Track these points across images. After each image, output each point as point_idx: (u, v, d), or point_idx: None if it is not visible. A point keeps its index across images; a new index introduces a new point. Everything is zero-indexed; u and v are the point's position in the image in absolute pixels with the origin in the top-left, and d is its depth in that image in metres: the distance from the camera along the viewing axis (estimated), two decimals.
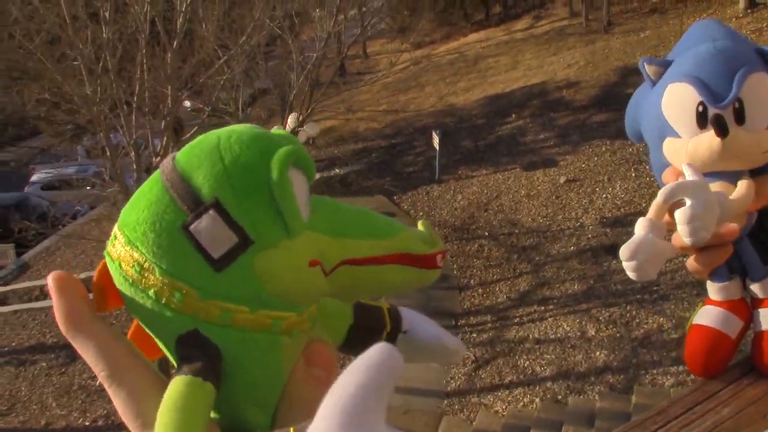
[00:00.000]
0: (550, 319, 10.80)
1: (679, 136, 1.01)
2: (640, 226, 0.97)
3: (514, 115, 18.31)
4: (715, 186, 1.00)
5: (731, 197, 0.98)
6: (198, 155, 0.57)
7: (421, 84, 23.08)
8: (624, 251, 0.94)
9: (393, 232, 0.64)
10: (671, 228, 1.00)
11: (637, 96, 1.12)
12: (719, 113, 0.96)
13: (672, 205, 0.97)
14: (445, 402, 9.84)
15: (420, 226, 0.69)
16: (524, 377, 9.86)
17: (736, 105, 0.96)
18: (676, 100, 1.00)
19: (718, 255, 1.03)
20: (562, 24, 24.03)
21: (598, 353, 9.78)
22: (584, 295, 11.04)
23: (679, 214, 0.94)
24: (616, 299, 10.63)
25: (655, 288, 10.28)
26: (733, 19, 18.72)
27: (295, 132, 13.00)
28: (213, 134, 0.59)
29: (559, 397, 9.27)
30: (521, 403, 9.42)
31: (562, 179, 14.42)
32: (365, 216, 0.65)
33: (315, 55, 13.28)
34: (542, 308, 11.14)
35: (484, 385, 9.94)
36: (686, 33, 1.07)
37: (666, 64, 1.04)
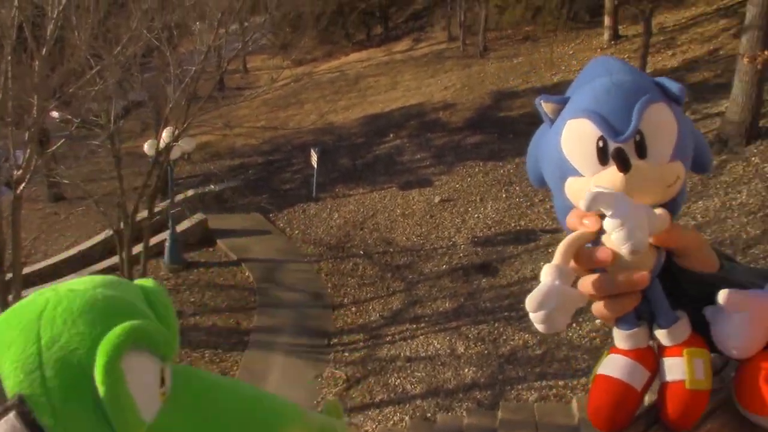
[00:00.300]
0: (421, 337, 10.86)
1: (581, 175, 0.95)
2: (546, 273, 0.89)
3: (392, 135, 18.48)
4: None
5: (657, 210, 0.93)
6: (13, 326, 0.44)
7: (302, 101, 22.96)
8: (530, 302, 0.87)
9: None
10: (579, 274, 0.95)
11: (537, 137, 1.06)
12: (620, 147, 0.91)
13: (578, 251, 0.93)
14: None
15: (329, 409, 0.54)
16: (395, 395, 9.85)
17: (637, 138, 0.92)
18: (575, 136, 0.95)
19: (627, 302, 0.96)
20: (441, 47, 24.57)
21: (466, 370, 9.90)
22: (454, 313, 11.19)
23: (609, 222, 0.89)
24: (484, 317, 10.82)
25: (521, 305, 10.51)
26: (598, 50, 19.73)
27: (169, 147, 12.53)
28: (42, 296, 0.46)
29: (428, 414, 9.31)
30: (391, 422, 9.39)
31: (437, 199, 14.63)
32: (251, 406, 0.50)
33: (194, 68, 12.87)
34: (414, 326, 11.20)
35: (355, 405, 9.85)
36: (583, 69, 1.04)
37: (563, 101, 1.00)
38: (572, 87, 1.02)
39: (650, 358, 1.02)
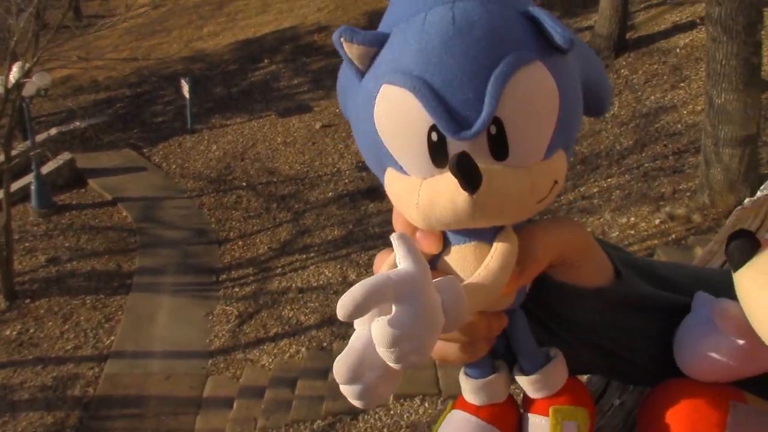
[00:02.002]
0: (312, 267, 10.78)
1: (404, 172, 0.62)
2: (358, 337, 0.60)
3: (266, 60, 17.88)
4: (467, 250, 0.64)
5: (481, 273, 0.62)
6: None
7: (167, 28, 21.75)
8: (341, 370, 0.58)
9: None
10: None
11: (343, 84, 0.70)
12: (464, 152, 0.56)
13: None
14: (210, 362, 9.51)
15: None
16: (289, 328, 9.79)
17: (492, 129, 0.58)
18: (395, 115, 0.59)
19: (477, 348, 0.68)
20: None
21: None
22: (344, 240, 11.15)
23: (377, 331, 0.55)
24: (374, 242, 10.84)
25: None
26: None
27: (21, 83, 11.56)
28: None
29: (325, 344, 9.32)
30: (287, 355, 9.35)
31: (318, 125, 14.37)
32: None
33: None
34: (304, 257, 11.09)
35: (249, 341, 9.73)
36: None
37: (378, 42, 0.61)
38: (393, 5, 0.64)
39: (510, 416, 0.73)
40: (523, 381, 0.71)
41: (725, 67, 8.01)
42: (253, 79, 17.18)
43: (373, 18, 18.31)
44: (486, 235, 0.64)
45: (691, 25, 12.67)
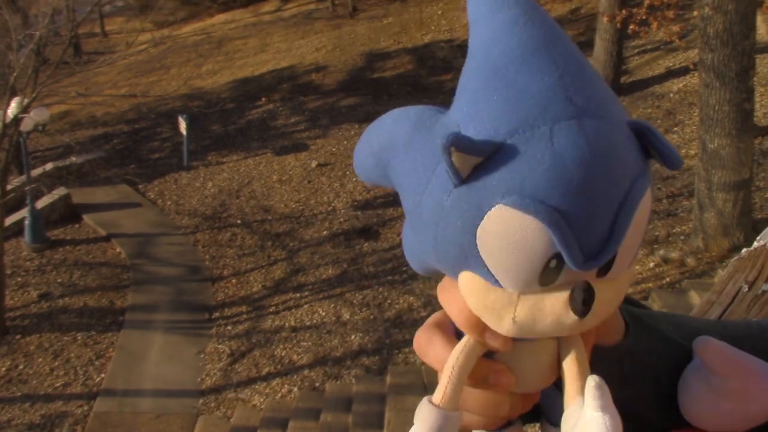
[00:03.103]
0: (305, 306, 10.73)
1: (498, 285, 0.56)
2: (424, 424, 0.60)
3: (264, 99, 18.02)
4: (538, 346, 0.62)
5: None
6: None
7: (166, 66, 21.95)
8: None
9: None
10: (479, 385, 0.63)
11: (380, 135, 0.64)
12: (587, 282, 0.55)
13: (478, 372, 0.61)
14: (201, 401, 9.40)
15: None
16: (282, 367, 9.70)
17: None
18: (511, 239, 0.53)
19: (501, 421, 0.67)
20: (309, 8, 24.10)
21: (353, 336, 9.88)
22: (338, 279, 11.11)
23: None
24: (368, 281, 10.81)
25: (404, 268, 10.59)
26: (466, 11, 19.91)
27: (19, 118, 11.60)
28: None
29: (317, 384, 9.23)
30: (279, 394, 9.26)
31: (314, 163, 14.42)
32: None
33: (38, 33, 11.92)
34: (297, 295, 11.04)
35: (241, 379, 9.63)
36: (486, 26, 0.57)
37: (489, 151, 0.52)
38: (480, 78, 0.55)
39: None
40: None
41: (718, 113, 8.09)
42: (250, 118, 17.29)
43: (370, 58, 18.51)
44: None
45: (684, 71, 12.84)
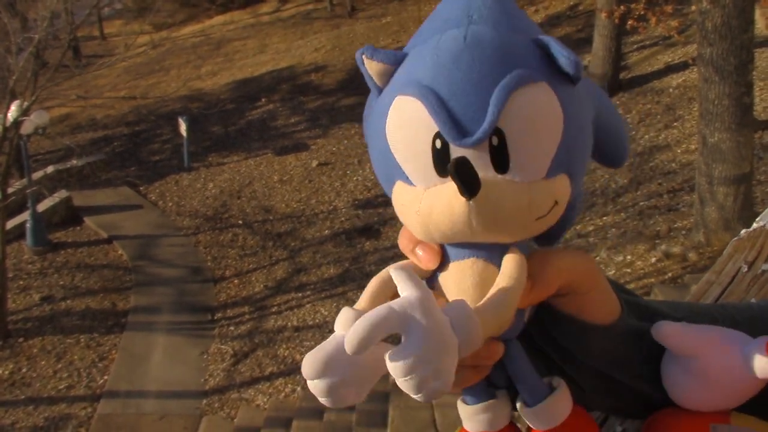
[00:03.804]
0: (308, 306, 10.73)
1: (412, 183, 0.64)
2: (341, 323, 0.64)
3: (263, 100, 18.03)
4: (465, 265, 0.65)
5: (492, 294, 0.62)
6: None
7: (166, 68, 21.96)
8: (308, 365, 0.59)
9: None
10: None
11: (368, 107, 0.73)
12: (463, 157, 0.58)
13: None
14: (204, 402, 9.40)
15: None
16: (285, 367, 9.71)
17: (494, 140, 0.60)
18: (403, 124, 0.63)
19: (467, 376, 0.66)
20: (308, 8, 24.10)
21: None
22: (340, 279, 11.12)
23: (391, 364, 0.56)
24: (370, 280, 10.79)
25: None
26: None
27: (19, 122, 11.62)
28: None
29: None
30: (283, 394, 9.26)
31: (314, 163, 14.42)
32: None
33: (36, 36, 11.92)
34: (300, 295, 11.04)
35: (244, 380, 9.64)
36: (437, 7, 0.69)
37: (396, 60, 0.65)
38: (416, 35, 0.68)
39: None
40: (527, 413, 0.69)
41: (718, 107, 8.09)
42: (251, 118, 17.29)
43: None
44: (487, 253, 0.65)
45: (683, 66, 12.83)
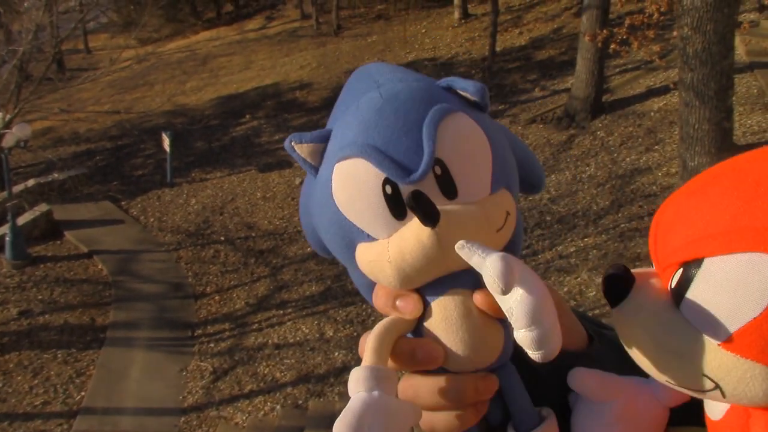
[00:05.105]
0: (289, 323, 10.68)
1: (374, 238, 0.67)
2: (356, 382, 0.62)
3: (248, 116, 18.03)
4: (447, 300, 0.67)
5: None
6: None
7: (150, 83, 21.93)
8: (342, 427, 0.58)
9: None
10: (400, 367, 0.67)
11: (304, 194, 0.76)
12: (416, 190, 0.63)
13: (396, 345, 0.65)
14: (182, 419, 9.30)
15: None
16: (264, 385, 9.63)
17: (437, 170, 0.64)
18: (350, 185, 0.66)
19: (470, 415, 0.68)
20: (294, 26, 24.20)
21: (336, 354, 9.83)
22: (322, 296, 11.08)
23: (523, 334, 0.60)
24: (352, 298, 10.77)
25: None
26: (450, 28, 20.11)
27: (1, 134, 11.55)
28: None
29: (300, 401, 9.17)
30: (262, 412, 9.18)
31: (298, 180, 14.41)
32: None
33: (21, 49, 11.88)
34: (281, 312, 10.99)
35: (223, 397, 9.55)
36: (345, 85, 0.76)
37: (323, 138, 0.70)
38: (333, 113, 0.74)
39: None
40: None
41: (698, 131, 8.19)
42: (234, 135, 17.28)
43: None
44: (462, 281, 0.67)
45: (665, 90, 12.99)
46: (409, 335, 0.68)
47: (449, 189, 0.65)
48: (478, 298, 0.66)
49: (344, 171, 0.66)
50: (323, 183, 0.69)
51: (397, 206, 0.65)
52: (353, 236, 0.68)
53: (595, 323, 0.82)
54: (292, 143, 0.70)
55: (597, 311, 8.30)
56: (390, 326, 0.67)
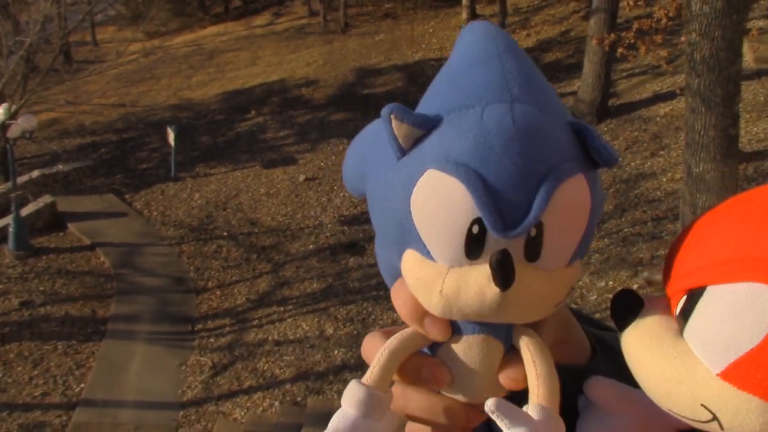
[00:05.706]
0: (289, 320, 10.69)
1: (432, 258, 0.61)
2: (350, 399, 0.63)
3: (253, 112, 18.04)
4: (474, 341, 0.65)
5: (544, 380, 0.64)
6: None
7: (157, 76, 21.95)
8: None
9: None
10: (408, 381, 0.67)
11: (364, 144, 0.69)
12: (505, 249, 0.58)
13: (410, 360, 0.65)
14: (181, 413, 9.32)
15: None
16: (263, 381, 9.64)
17: (533, 232, 0.59)
18: (438, 202, 0.59)
19: None
20: (302, 22, 24.20)
21: (336, 352, 9.84)
22: (323, 294, 11.09)
23: None
24: (353, 296, 10.79)
25: None
26: (458, 28, 20.06)
27: (6, 125, 11.57)
28: None
29: (299, 398, 9.18)
30: (260, 408, 9.20)
31: (302, 177, 14.42)
32: None
33: (28, 40, 11.90)
34: (282, 309, 11.00)
35: (222, 392, 9.57)
36: (460, 46, 0.66)
37: (428, 125, 0.60)
38: (438, 83, 0.65)
39: None
40: None
41: (704, 137, 8.16)
42: (240, 130, 17.29)
43: (361, 74, 18.58)
44: (496, 331, 0.65)
45: (671, 95, 12.97)
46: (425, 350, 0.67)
47: (534, 253, 0.60)
48: (503, 377, 0.65)
49: (436, 184, 0.59)
50: (405, 175, 0.61)
51: (476, 248, 0.59)
52: (410, 241, 0.62)
53: (597, 325, 0.80)
54: (392, 116, 0.60)
55: (597, 315, 8.29)
56: (408, 343, 0.65)
